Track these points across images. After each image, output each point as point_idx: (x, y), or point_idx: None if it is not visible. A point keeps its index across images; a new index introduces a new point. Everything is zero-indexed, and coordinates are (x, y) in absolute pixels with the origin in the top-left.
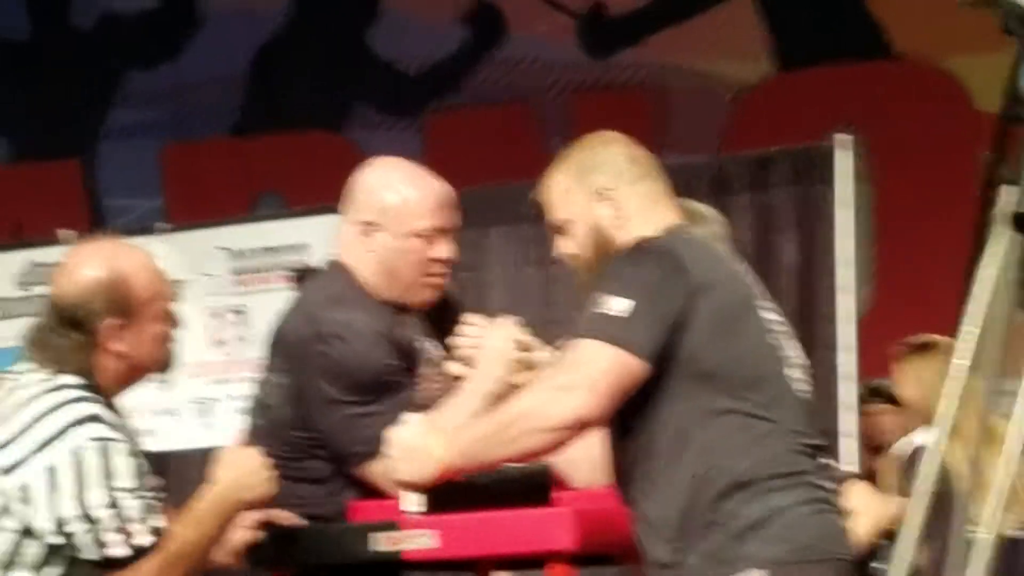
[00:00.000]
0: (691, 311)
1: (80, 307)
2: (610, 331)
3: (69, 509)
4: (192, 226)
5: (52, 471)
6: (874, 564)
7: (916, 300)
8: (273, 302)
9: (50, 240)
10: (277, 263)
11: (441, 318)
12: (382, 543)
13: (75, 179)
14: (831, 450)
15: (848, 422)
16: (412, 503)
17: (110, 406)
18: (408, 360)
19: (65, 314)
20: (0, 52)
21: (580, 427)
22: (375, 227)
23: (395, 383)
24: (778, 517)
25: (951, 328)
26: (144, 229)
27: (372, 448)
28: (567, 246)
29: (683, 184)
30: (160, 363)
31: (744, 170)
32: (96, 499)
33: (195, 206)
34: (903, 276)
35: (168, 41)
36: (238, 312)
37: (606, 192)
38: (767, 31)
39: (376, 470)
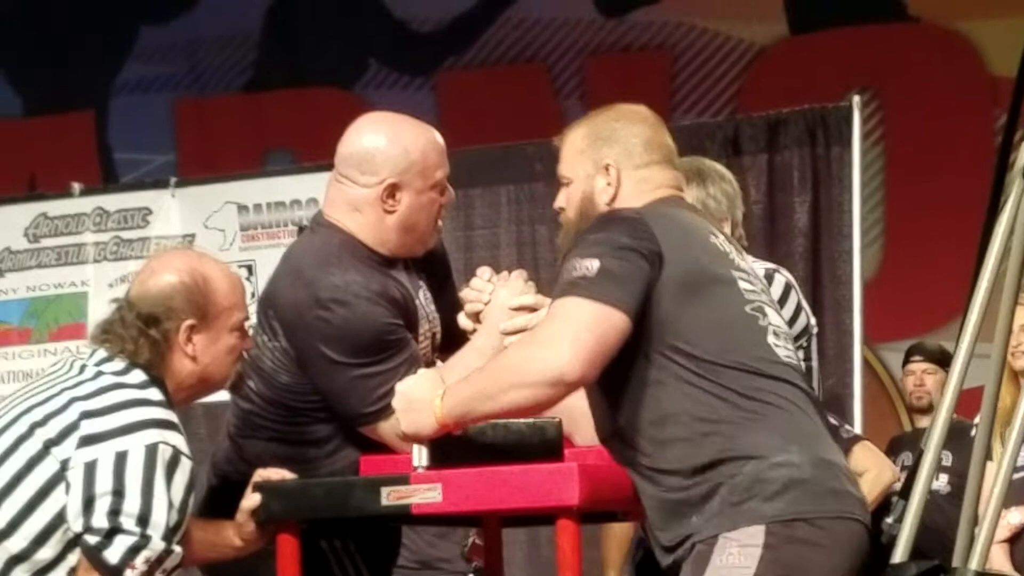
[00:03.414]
0: (659, 277)
1: (159, 304)
2: (586, 288)
3: (103, 503)
4: (202, 180)
5: (122, 458)
6: (887, 520)
7: (928, 262)
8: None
9: (63, 193)
10: (286, 218)
11: (429, 268)
12: (391, 497)
13: (88, 132)
14: (846, 412)
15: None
16: (422, 458)
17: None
18: (407, 317)
19: (144, 310)
20: (16, 4)
21: (563, 384)
22: (399, 187)
23: (398, 341)
24: (778, 476)
25: (961, 289)
26: (156, 183)
27: (380, 408)
28: (561, 200)
29: (697, 144)
30: (227, 378)
31: (758, 131)
32: (132, 505)
33: (207, 161)
34: (915, 238)
35: None
36: (247, 267)
37: (610, 168)
38: None
39: (386, 429)
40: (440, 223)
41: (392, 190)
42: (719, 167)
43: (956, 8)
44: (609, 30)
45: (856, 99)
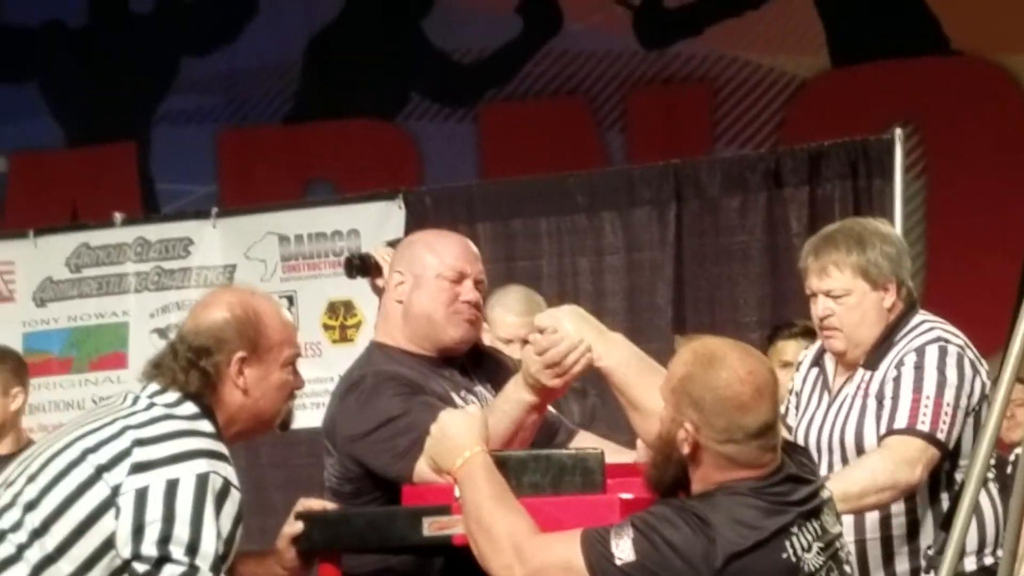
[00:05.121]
0: None
1: (211, 336)
2: None
3: (153, 531)
4: (243, 211)
5: (173, 486)
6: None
7: (969, 295)
8: (323, 288)
9: (104, 223)
10: (327, 249)
11: (493, 377)
12: (433, 528)
13: (130, 163)
14: None
15: None
16: None
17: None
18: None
19: (195, 343)
20: (58, 36)
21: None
22: (404, 276)
23: (404, 395)
24: None
25: (1002, 323)
26: (197, 213)
27: (409, 451)
28: None
29: (738, 176)
30: (278, 414)
31: (800, 163)
32: (181, 533)
33: (248, 192)
34: (956, 271)
35: (224, 27)
36: (288, 298)
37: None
38: (824, 25)
39: (420, 469)
40: (466, 317)
41: (398, 277)
42: (881, 227)
43: (999, 42)
44: (651, 62)
45: (898, 132)
